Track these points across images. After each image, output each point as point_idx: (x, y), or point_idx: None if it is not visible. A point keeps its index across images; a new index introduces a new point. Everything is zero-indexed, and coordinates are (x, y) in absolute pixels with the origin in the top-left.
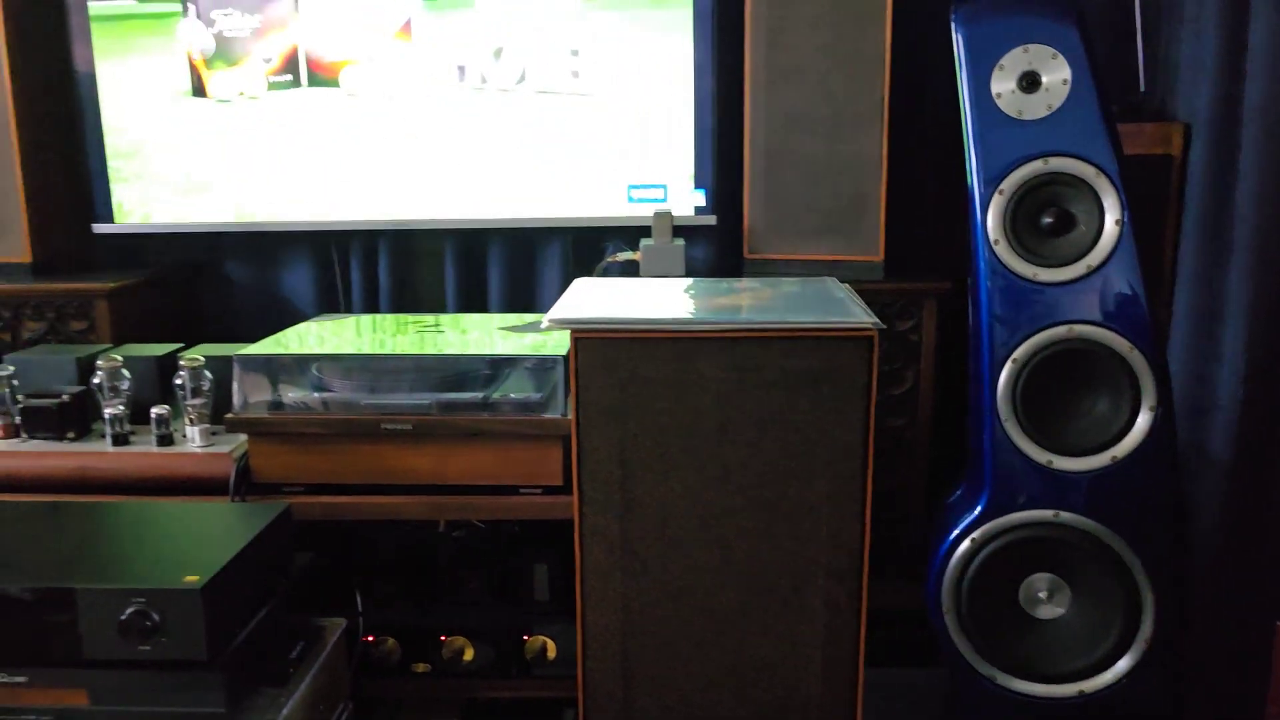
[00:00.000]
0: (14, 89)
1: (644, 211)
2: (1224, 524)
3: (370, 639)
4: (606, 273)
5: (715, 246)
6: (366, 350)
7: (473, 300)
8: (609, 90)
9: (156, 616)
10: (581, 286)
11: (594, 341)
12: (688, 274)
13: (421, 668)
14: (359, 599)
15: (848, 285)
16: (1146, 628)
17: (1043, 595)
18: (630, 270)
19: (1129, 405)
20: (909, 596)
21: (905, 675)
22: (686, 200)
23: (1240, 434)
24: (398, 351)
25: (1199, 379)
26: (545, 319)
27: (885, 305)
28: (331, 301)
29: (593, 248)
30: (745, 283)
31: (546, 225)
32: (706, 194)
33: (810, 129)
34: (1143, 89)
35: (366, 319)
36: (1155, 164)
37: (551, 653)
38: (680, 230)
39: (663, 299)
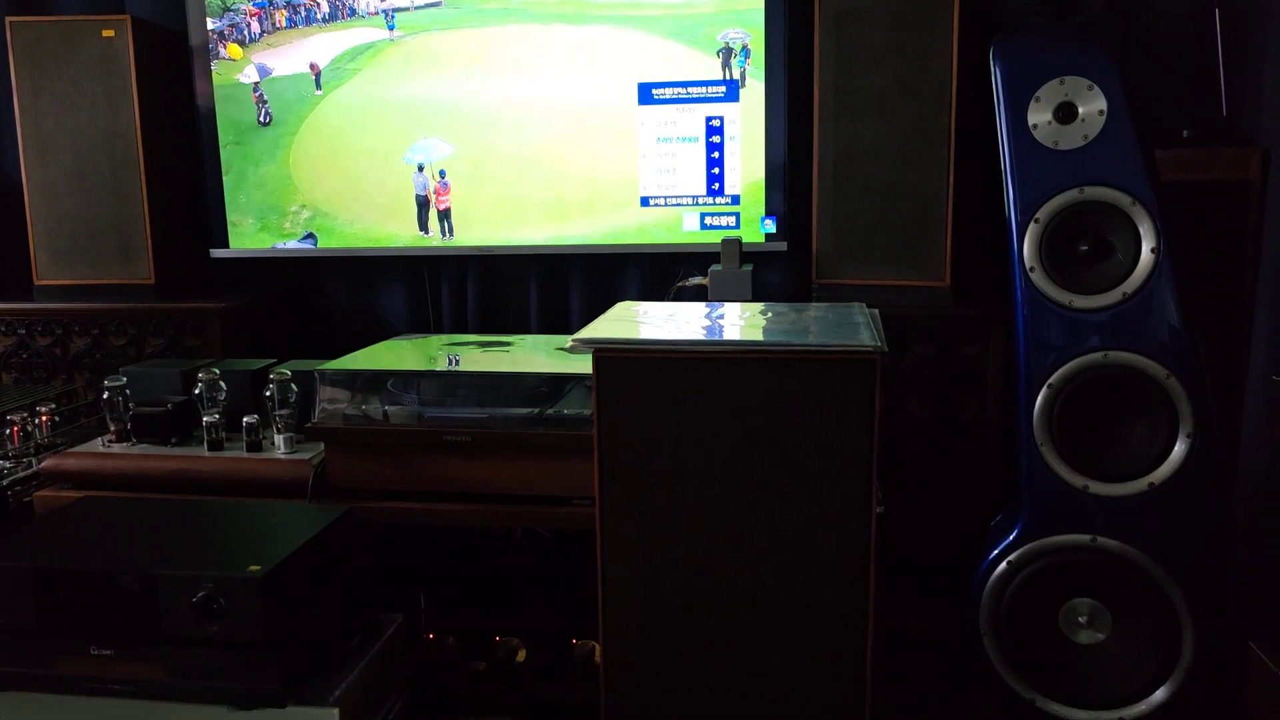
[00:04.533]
0: (143, 126)
1: (718, 238)
2: None
3: (431, 636)
4: (679, 297)
5: (786, 272)
6: (433, 368)
7: (555, 321)
8: (685, 121)
9: (223, 600)
10: (620, 309)
11: (614, 361)
12: (758, 299)
13: (479, 666)
14: (422, 598)
15: (875, 311)
16: (1186, 656)
17: (1083, 620)
18: (701, 295)
19: (1166, 432)
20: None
21: (959, 700)
22: (759, 227)
23: None
24: (461, 369)
25: (1277, 405)
26: (570, 339)
27: (951, 330)
28: (423, 322)
29: (668, 272)
30: (775, 307)
31: (624, 251)
32: (777, 221)
33: (877, 158)
34: (1224, 113)
35: (443, 338)
36: (1233, 189)
37: (598, 657)
38: (751, 256)
39: (689, 322)
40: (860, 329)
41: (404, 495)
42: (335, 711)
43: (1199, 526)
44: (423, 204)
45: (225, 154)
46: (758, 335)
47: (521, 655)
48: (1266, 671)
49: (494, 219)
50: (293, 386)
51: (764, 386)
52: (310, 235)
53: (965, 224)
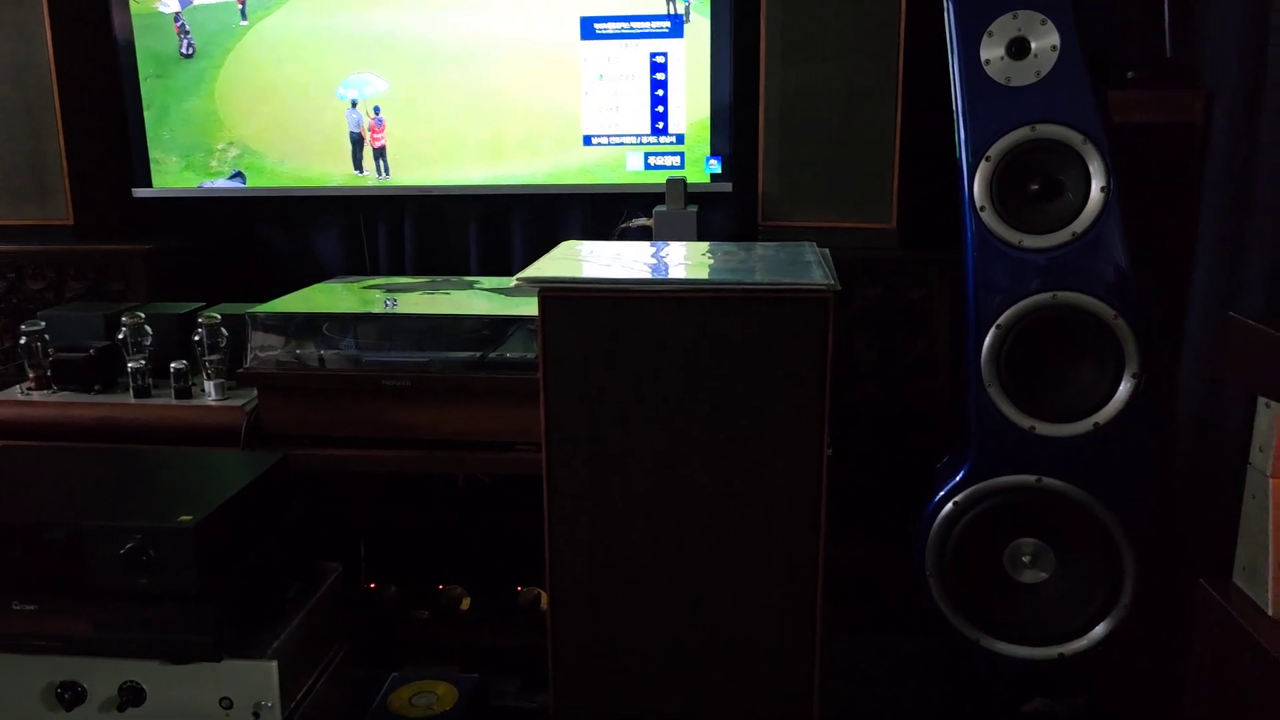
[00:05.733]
0: (56, 57)
1: (662, 178)
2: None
3: (372, 585)
4: (623, 238)
5: (732, 214)
6: (371, 310)
7: (496, 264)
8: (628, 57)
9: (152, 552)
10: (564, 248)
11: (560, 300)
12: (703, 240)
13: (422, 614)
14: (362, 547)
15: (825, 250)
16: (1126, 593)
17: (1026, 559)
18: (646, 236)
19: (1112, 372)
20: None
21: (908, 639)
22: (704, 168)
23: (1251, 405)
24: (400, 311)
25: (1217, 351)
26: (515, 278)
27: (898, 273)
28: (359, 264)
29: (611, 213)
30: (724, 246)
31: (567, 192)
32: (722, 162)
33: (825, 98)
34: (1169, 54)
35: (381, 280)
36: (1178, 131)
37: (544, 603)
38: (696, 197)
39: (636, 260)
40: (812, 267)
41: (342, 442)
42: (273, 664)
43: (1141, 465)
44: (357, 142)
45: (146, 88)
46: (708, 274)
47: (466, 603)
48: (1215, 607)
49: (432, 158)
50: (223, 331)
51: (715, 326)
52: (239, 174)
53: (913, 166)
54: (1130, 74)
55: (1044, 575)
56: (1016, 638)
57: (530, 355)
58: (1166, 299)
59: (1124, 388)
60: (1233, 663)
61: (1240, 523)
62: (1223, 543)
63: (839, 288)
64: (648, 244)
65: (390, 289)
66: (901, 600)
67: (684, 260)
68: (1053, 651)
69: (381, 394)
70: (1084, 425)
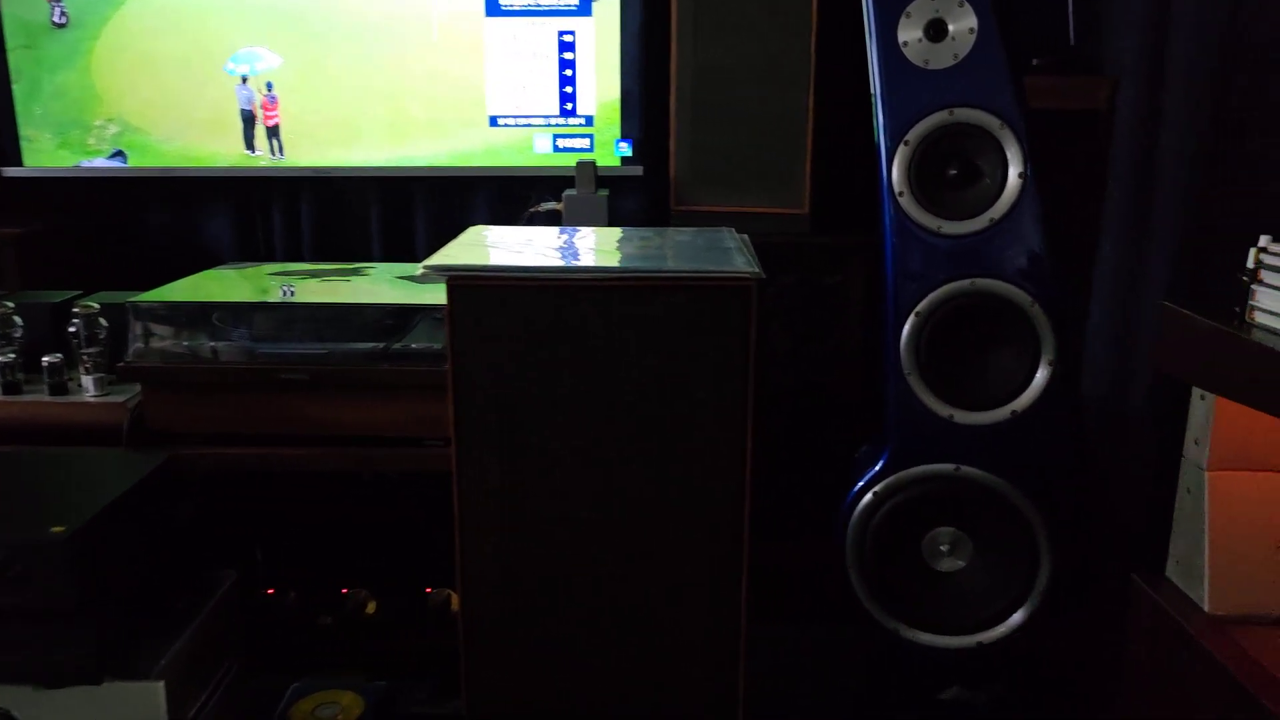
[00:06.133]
0: None
1: (571, 161)
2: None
3: (270, 591)
4: (532, 222)
5: (643, 198)
6: (265, 299)
7: (399, 249)
8: (535, 35)
9: (21, 566)
10: (472, 234)
11: (470, 289)
12: (613, 226)
13: (325, 620)
14: (258, 551)
15: (745, 236)
16: (1042, 581)
17: (945, 549)
18: (555, 220)
19: (1029, 360)
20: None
21: (829, 631)
22: (614, 150)
23: (1154, 390)
24: (297, 300)
25: (1119, 336)
26: (421, 266)
27: (812, 259)
28: (252, 249)
29: (519, 197)
30: (639, 232)
31: (472, 174)
32: (632, 145)
33: (737, 80)
34: (1072, 42)
35: (275, 267)
36: (1083, 118)
37: (455, 605)
38: (607, 181)
39: (551, 246)
40: (733, 254)
41: (235, 439)
42: (159, 684)
43: (1057, 452)
44: (248, 120)
45: (14, 59)
46: (627, 261)
47: (371, 607)
48: (1148, 601)
49: (329, 138)
50: (101, 321)
51: (636, 315)
52: (119, 153)
53: (826, 150)
54: (1035, 61)
55: (961, 564)
56: (935, 627)
57: (437, 346)
58: (1074, 285)
59: (1040, 375)
60: (1167, 658)
61: (1174, 516)
62: (1138, 531)
63: (763, 275)
64: (559, 229)
65: (287, 276)
66: (822, 591)
67: (598, 246)
68: (970, 640)
69: (277, 388)
70: (1002, 413)
